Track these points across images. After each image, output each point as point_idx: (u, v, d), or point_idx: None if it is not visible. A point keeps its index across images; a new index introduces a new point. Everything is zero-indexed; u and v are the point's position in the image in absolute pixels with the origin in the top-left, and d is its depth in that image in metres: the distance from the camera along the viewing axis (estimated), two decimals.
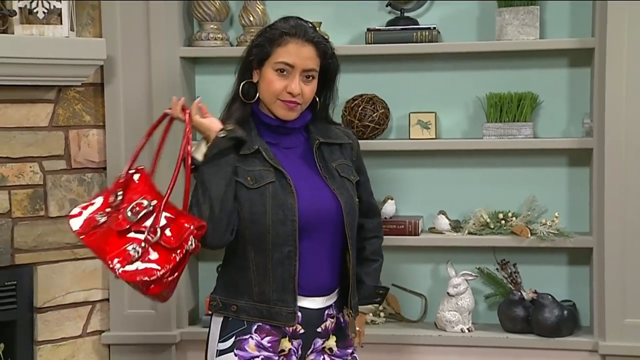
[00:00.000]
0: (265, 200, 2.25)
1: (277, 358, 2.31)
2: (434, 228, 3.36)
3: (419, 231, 3.31)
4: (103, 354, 3.33)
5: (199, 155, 2.25)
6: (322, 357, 2.40)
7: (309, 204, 2.28)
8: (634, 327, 3.07)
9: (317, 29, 2.40)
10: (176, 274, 2.16)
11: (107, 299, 3.33)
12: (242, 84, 2.34)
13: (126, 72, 3.29)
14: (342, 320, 2.42)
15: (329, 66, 2.35)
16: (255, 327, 2.30)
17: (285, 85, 2.27)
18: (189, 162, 2.24)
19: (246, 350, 2.29)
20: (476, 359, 3.22)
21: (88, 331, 3.31)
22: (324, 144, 2.38)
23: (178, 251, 2.15)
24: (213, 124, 2.29)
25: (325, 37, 2.39)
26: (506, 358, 3.20)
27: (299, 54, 2.27)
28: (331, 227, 2.32)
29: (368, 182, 2.51)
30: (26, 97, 3.13)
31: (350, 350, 2.44)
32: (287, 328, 2.31)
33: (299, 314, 2.31)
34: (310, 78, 2.31)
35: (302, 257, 2.28)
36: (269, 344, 2.30)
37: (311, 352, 2.38)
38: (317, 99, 2.38)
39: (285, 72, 2.28)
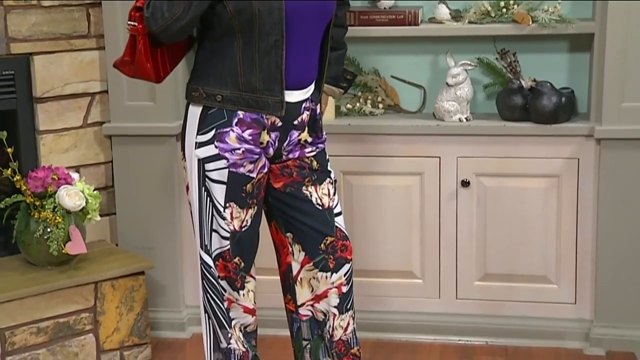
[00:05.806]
0: None
1: (258, 150, 2.33)
2: (434, 18, 3.29)
3: (419, 21, 3.24)
4: (105, 145, 3.37)
5: None
6: (297, 148, 2.42)
7: None
8: (630, 110, 3.05)
9: None
10: (128, 55, 2.30)
11: (106, 91, 3.33)
12: None
13: None
14: (316, 112, 2.44)
15: None
16: (236, 120, 2.30)
17: None
18: None
19: (227, 143, 2.30)
20: (474, 147, 3.24)
21: (89, 122, 3.33)
22: None
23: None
24: None
25: None
26: (503, 146, 3.21)
27: None
28: (320, 20, 2.34)
29: None
30: None
31: (321, 140, 2.50)
32: (266, 120, 2.31)
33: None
34: None
35: (289, 48, 2.26)
36: (250, 137, 2.31)
37: (288, 145, 2.40)
38: None
39: None
